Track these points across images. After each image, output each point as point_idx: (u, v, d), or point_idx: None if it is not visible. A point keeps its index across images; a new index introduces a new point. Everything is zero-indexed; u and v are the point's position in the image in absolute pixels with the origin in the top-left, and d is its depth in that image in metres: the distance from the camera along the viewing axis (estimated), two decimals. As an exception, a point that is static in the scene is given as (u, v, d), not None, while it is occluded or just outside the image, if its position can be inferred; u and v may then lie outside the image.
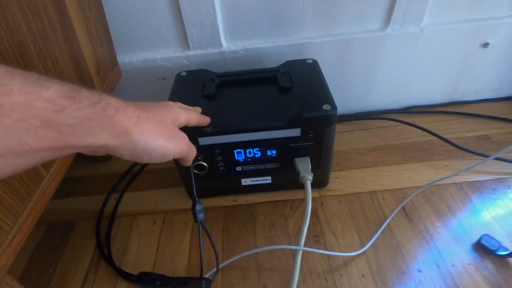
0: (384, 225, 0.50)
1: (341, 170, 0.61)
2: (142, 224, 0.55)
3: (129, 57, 0.61)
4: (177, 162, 0.48)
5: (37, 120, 0.19)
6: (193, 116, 0.39)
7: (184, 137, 0.33)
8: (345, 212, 0.53)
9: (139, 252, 0.51)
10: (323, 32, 0.61)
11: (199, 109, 0.45)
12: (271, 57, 0.62)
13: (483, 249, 0.46)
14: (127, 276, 0.47)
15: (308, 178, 0.46)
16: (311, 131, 0.46)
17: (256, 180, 0.53)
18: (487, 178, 0.56)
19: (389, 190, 0.56)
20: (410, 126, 0.67)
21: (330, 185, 0.58)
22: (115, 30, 0.58)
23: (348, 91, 0.69)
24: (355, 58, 0.64)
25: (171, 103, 0.36)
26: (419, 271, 0.44)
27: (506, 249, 0.45)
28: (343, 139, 0.67)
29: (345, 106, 0.72)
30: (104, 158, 0.68)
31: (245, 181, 0.53)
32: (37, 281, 0.48)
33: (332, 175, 0.59)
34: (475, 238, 0.47)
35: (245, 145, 0.47)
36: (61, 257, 0.51)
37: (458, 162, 0.60)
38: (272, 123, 0.45)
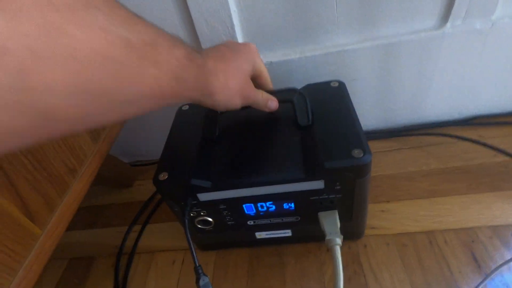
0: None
1: (387, 202, 0.50)
2: (161, 263, 0.51)
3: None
4: (177, 215, 0.42)
5: (170, 74, 0.23)
6: (266, 78, 0.39)
7: (252, 89, 0.35)
8: (395, 258, 0.43)
9: (157, 299, 0.46)
10: (361, 36, 0.51)
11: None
12: (300, 70, 0.53)
13: None
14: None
15: (337, 243, 0.36)
16: (338, 183, 0.36)
17: (273, 234, 0.45)
18: None
19: (451, 229, 0.45)
20: (476, 144, 0.54)
21: (374, 221, 0.48)
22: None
23: (396, 102, 0.58)
24: (403, 64, 0.52)
25: (251, 47, 0.36)
26: None
27: None
28: (388, 160, 0.57)
29: (393, 119, 0.61)
30: (126, 185, 0.65)
31: (260, 235, 0.45)
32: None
33: (377, 209, 0.49)
34: None
35: (255, 199, 0.39)
36: (79, 300, 0.48)
37: (547, 192, 0.46)
38: (287, 175, 0.36)
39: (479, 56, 0.51)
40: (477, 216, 0.46)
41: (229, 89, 0.30)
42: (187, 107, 0.49)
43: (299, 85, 0.47)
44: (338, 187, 0.37)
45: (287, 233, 0.45)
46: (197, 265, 0.35)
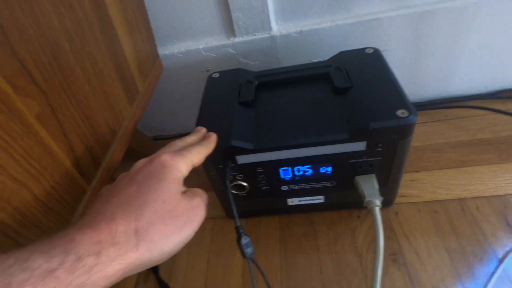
0: (496, 267, 0.40)
1: (416, 172, 0.51)
2: (191, 232, 0.51)
3: (170, 49, 0.56)
4: (211, 179, 0.42)
5: None
6: (196, 155, 0.30)
7: (197, 206, 0.26)
8: (428, 225, 0.44)
9: (189, 265, 0.46)
10: (394, 4, 0.50)
11: (200, 132, 0.35)
12: (330, 40, 0.53)
13: None
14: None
15: (377, 204, 0.36)
16: (380, 145, 0.36)
17: (306, 200, 0.45)
18: None
19: (483, 197, 0.45)
20: (505, 115, 0.54)
21: (404, 190, 0.48)
22: (154, 19, 0.52)
23: (423, 75, 0.58)
24: (435, 34, 0.52)
25: (163, 158, 0.26)
26: (540, 309, 0.34)
27: None
28: (417, 132, 0.56)
29: (419, 93, 0.60)
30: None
31: (292, 201, 0.45)
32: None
33: (407, 178, 0.50)
34: None
35: (293, 162, 0.39)
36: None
37: None
38: (328, 137, 0.36)
39: (507, 30, 0.51)
40: (508, 184, 0.46)
41: (156, 238, 0.23)
42: (217, 74, 0.49)
43: (329, 55, 0.47)
44: (379, 149, 0.37)
45: (320, 199, 0.45)
46: (238, 225, 0.35)
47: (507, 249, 0.39)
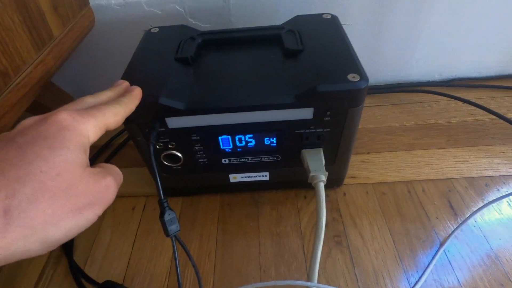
0: (436, 249, 0.38)
1: (368, 153, 0.49)
2: (119, 209, 0.44)
3: (106, -1, 0.48)
4: (138, 146, 0.36)
5: None
6: (111, 115, 0.23)
7: (107, 187, 0.21)
8: (374, 206, 0.42)
9: (112, 245, 0.40)
10: (357, -27, 0.47)
11: (120, 86, 0.28)
12: (288, 4, 0.48)
13: (560, 264, 0.35)
14: (91, 282, 0.36)
15: (321, 179, 0.33)
16: (328, 113, 0.32)
17: (249, 176, 0.40)
18: (559, 171, 0.44)
19: (430, 180, 0.44)
20: (456, 101, 0.54)
21: (354, 171, 0.46)
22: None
23: (379, 59, 0.56)
24: (395, 12, 0.50)
25: (61, 117, 0.20)
26: (472, 285, 0.33)
27: None
28: (370, 115, 0.55)
29: (374, 76, 0.58)
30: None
31: (234, 177, 0.41)
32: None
33: (357, 159, 0.47)
34: (548, 249, 0.36)
35: (233, 129, 0.34)
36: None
37: (519, 148, 0.47)
38: (273, 100, 0.31)
39: (467, 17, 0.50)
40: (454, 168, 0.45)
41: (37, 223, 0.17)
42: (157, 29, 0.42)
43: (286, 19, 0.43)
44: (328, 119, 0.33)
45: (265, 176, 0.41)
46: (162, 198, 0.30)
47: (449, 231, 0.38)
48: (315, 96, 0.31)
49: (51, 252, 0.40)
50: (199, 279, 0.33)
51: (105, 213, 0.44)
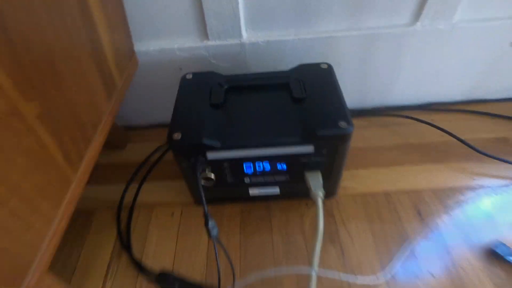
0: (406, 244, 0.51)
1: (356, 169, 0.61)
2: (160, 215, 0.57)
3: (146, 46, 0.59)
4: (183, 171, 0.48)
5: None
6: None
7: None
8: (361, 212, 0.54)
9: (159, 245, 0.52)
10: (349, 25, 0.58)
11: None
12: (293, 51, 0.60)
13: (494, 255, 0.47)
14: (147, 274, 0.49)
15: (320, 196, 0.45)
16: (324, 148, 0.45)
17: (264, 190, 0.53)
18: (505, 183, 0.56)
19: (404, 191, 0.56)
20: (428, 126, 0.66)
21: (346, 183, 0.58)
22: (131, 16, 0.55)
23: (368, 86, 0.67)
24: (379, 54, 0.61)
25: None
26: (432, 275, 0.46)
27: (518, 258, 0.46)
28: (360, 135, 0.67)
29: (364, 101, 0.70)
30: (119, 147, 0.68)
31: (253, 191, 0.53)
32: (62, 271, 0.50)
33: (348, 174, 0.59)
34: (488, 243, 0.48)
35: (254, 159, 0.46)
36: (84, 246, 0.53)
37: (476, 165, 0.59)
38: (285, 139, 0.44)
39: (440, 53, 0.62)
40: (424, 181, 0.58)
41: None
42: (190, 75, 0.54)
43: (291, 64, 0.54)
44: (324, 151, 0.45)
45: (276, 190, 0.53)
46: (206, 211, 0.42)
47: (416, 234, 0.51)
48: (315, 138, 0.43)
49: (113, 250, 0.52)
50: (232, 268, 0.45)
51: (150, 218, 0.56)
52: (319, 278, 0.46)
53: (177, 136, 0.44)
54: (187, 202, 0.58)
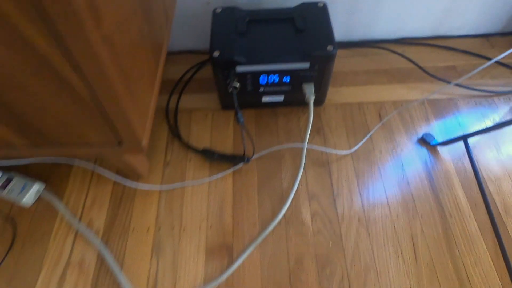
0: (368, 134, 0.75)
1: (340, 87, 0.82)
2: (197, 117, 0.79)
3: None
4: (217, 81, 0.68)
5: None
6: None
7: None
8: (339, 116, 0.77)
9: (199, 135, 0.76)
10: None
11: None
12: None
13: (423, 141, 0.72)
14: (195, 149, 0.73)
15: (311, 98, 0.67)
16: (316, 65, 0.65)
17: (273, 98, 0.74)
18: (443, 97, 0.79)
19: (372, 102, 0.79)
20: (399, 56, 0.86)
21: (330, 96, 0.80)
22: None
23: (354, 22, 0.85)
24: (364, -5, 0.78)
25: None
26: (380, 152, 0.71)
27: (436, 141, 0.71)
28: (345, 62, 0.87)
29: (350, 35, 0.89)
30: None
31: (265, 99, 0.74)
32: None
33: (333, 90, 0.81)
34: (421, 135, 0.73)
35: (268, 72, 0.66)
36: (147, 135, 0.76)
37: (427, 85, 0.81)
38: (289, 57, 0.63)
39: (412, -6, 0.78)
40: (387, 96, 0.80)
41: None
42: (219, 9, 0.71)
43: (295, 2, 0.72)
44: (316, 67, 0.66)
45: (281, 98, 0.75)
46: (237, 105, 0.64)
47: (376, 128, 0.74)
48: (310, 57, 0.63)
49: (167, 137, 0.76)
50: (253, 143, 0.69)
51: (190, 118, 0.79)
52: (307, 151, 0.71)
53: (216, 53, 0.63)
54: (216, 108, 0.80)
